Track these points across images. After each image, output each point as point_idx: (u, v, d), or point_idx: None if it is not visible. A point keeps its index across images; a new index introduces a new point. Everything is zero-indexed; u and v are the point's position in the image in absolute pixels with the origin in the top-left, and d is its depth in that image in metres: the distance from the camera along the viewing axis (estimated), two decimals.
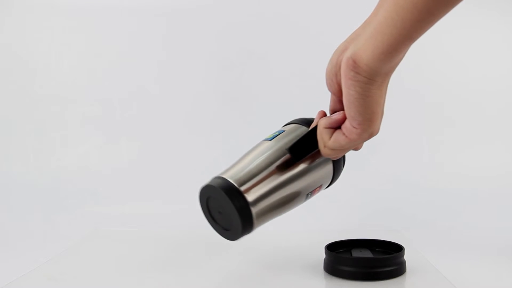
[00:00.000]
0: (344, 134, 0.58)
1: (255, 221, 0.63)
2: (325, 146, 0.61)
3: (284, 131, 0.69)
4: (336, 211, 1.13)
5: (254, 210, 0.63)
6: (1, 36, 1.36)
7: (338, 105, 0.61)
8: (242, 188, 0.63)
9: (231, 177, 0.64)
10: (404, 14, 0.47)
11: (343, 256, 0.70)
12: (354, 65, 0.52)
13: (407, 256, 0.71)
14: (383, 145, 1.19)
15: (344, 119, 0.59)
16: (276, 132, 0.70)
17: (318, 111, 0.66)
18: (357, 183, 1.17)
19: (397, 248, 0.71)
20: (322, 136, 0.61)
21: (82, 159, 1.29)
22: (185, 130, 1.29)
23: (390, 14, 0.48)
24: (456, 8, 0.48)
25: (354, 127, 0.57)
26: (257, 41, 1.31)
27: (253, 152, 0.68)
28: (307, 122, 0.69)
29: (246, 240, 0.76)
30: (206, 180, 0.68)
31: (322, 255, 0.71)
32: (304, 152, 0.64)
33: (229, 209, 0.63)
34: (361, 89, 0.54)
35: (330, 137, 0.60)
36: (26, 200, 1.21)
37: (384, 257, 0.69)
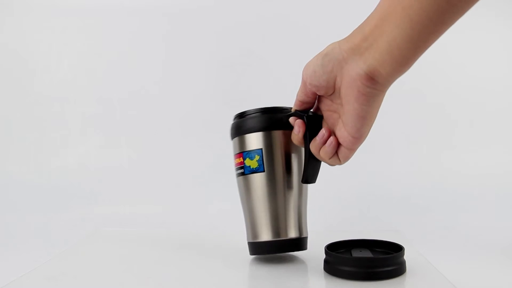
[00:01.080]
0: (347, 148, 0.60)
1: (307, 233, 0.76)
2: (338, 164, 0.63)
3: (261, 149, 0.72)
4: (336, 211, 1.13)
5: (305, 234, 0.75)
6: (1, 36, 1.36)
7: (309, 98, 0.64)
8: (291, 235, 0.72)
9: (281, 234, 0.72)
10: (419, 28, 0.48)
11: (343, 256, 0.70)
12: (372, 81, 0.53)
13: (407, 256, 0.71)
14: (383, 145, 1.19)
15: (337, 139, 0.61)
16: (253, 154, 0.72)
17: (296, 122, 0.67)
18: (357, 184, 1.17)
19: (397, 248, 0.71)
20: (333, 163, 0.63)
21: (82, 159, 1.29)
22: (185, 130, 1.29)
23: (404, 30, 0.49)
24: None
25: (356, 138, 0.58)
26: (257, 41, 1.31)
27: (266, 196, 0.72)
28: (271, 124, 0.72)
29: (245, 240, 0.76)
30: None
31: (322, 255, 0.72)
32: (316, 173, 0.69)
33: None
34: (374, 102, 0.55)
35: (339, 158, 0.62)
36: (26, 200, 1.21)
37: (384, 257, 0.69)
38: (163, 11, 1.33)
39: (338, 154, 0.62)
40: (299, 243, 0.74)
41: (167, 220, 1.11)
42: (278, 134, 0.72)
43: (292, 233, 0.73)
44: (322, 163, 0.68)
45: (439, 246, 0.88)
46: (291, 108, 0.72)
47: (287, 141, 0.72)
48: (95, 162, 1.29)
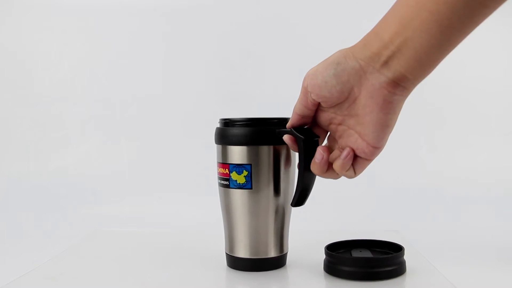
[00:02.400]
0: (366, 159, 0.58)
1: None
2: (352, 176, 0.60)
3: (250, 165, 0.68)
4: (336, 211, 1.13)
5: (285, 250, 0.73)
6: (1, 36, 1.36)
7: (310, 110, 0.60)
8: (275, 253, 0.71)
9: (268, 252, 0.71)
10: (449, 32, 0.47)
11: (343, 256, 0.70)
12: (399, 88, 0.52)
13: (407, 256, 0.71)
14: None
15: (353, 151, 0.57)
16: (241, 169, 0.68)
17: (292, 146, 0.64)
18: (357, 184, 1.17)
19: (397, 248, 0.71)
20: (347, 175, 0.60)
21: (82, 160, 1.29)
22: (185, 130, 1.29)
23: (432, 36, 0.48)
24: None
25: (377, 147, 0.56)
26: (257, 42, 1.31)
27: (249, 214, 0.69)
28: (263, 138, 0.67)
29: None
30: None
31: (322, 255, 0.71)
32: (307, 196, 0.66)
33: None
34: (398, 108, 0.54)
35: (355, 170, 0.59)
36: (26, 201, 1.21)
37: (384, 257, 0.69)
38: (163, 11, 1.33)
39: (354, 166, 0.58)
40: (278, 262, 0.72)
41: (167, 220, 1.11)
42: (269, 150, 0.68)
43: (272, 252, 0.71)
44: (317, 183, 0.66)
45: (439, 246, 0.88)
46: (284, 119, 0.68)
47: (278, 158, 0.68)
48: (95, 162, 1.29)
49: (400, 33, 0.49)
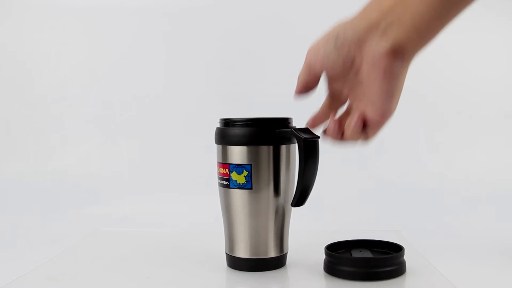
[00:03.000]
0: (377, 125, 0.57)
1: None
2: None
3: (250, 165, 0.68)
4: (336, 211, 1.13)
5: (285, 250, 0.74)
6: (1, 36, 1.36)
7: (313, 82, 0.61)
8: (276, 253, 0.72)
9: (267, 252, 0.71)
10: (449, 2, 0.47)
11: (343, 256, 0.70)
12: (398, 57, 0.51)
13: (407, 256, 0.71)
14: (383, 145, 1.19)
15: (363, 117, 0.57)
16: (241, 169, 0.68)
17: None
18: (357, 184, 1.17)
19: (397, 248, 0.71)
20: (361, 139, 0.59)
21: (82, 160, 1.29)
22: (185, 130, 1.29)
23: (431, 5, 0.48)
24: None
25: (386, 113, 0.56)
26: (257, 42, 1.31)
27: (249, 214, 0.69)
28: (263, 138, 0.68)
29: None
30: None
31: (322, 255, 0.71)
32: (307, 196, 0.67)
33: None
34: (402, 75, 0.53)
35: (368, 134, 0.59)
36: (26, 201, 1.21)
37: (384, 257, 0.69)
38: (163, 12, 1.33)
39: (366, 130, 0.58)
40: (278, 262, 0.72)
41: (166, 220, 1.11)
42: (269, 150, 0.68)
43: (272, 253, 0.71)
44: (317, 183, 0.66)
45: (439, 246, 0.88)
46: (284, 119, 0.69)
47: (278, 158, 0.69)
48: (95, 162, 1.29)
49: (399, 3, 0.50)
